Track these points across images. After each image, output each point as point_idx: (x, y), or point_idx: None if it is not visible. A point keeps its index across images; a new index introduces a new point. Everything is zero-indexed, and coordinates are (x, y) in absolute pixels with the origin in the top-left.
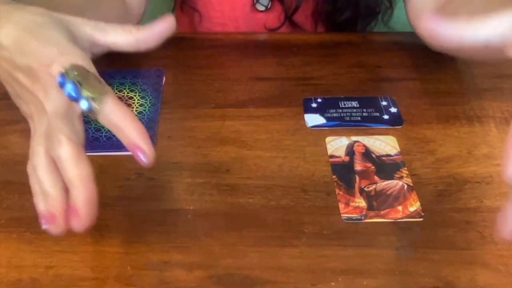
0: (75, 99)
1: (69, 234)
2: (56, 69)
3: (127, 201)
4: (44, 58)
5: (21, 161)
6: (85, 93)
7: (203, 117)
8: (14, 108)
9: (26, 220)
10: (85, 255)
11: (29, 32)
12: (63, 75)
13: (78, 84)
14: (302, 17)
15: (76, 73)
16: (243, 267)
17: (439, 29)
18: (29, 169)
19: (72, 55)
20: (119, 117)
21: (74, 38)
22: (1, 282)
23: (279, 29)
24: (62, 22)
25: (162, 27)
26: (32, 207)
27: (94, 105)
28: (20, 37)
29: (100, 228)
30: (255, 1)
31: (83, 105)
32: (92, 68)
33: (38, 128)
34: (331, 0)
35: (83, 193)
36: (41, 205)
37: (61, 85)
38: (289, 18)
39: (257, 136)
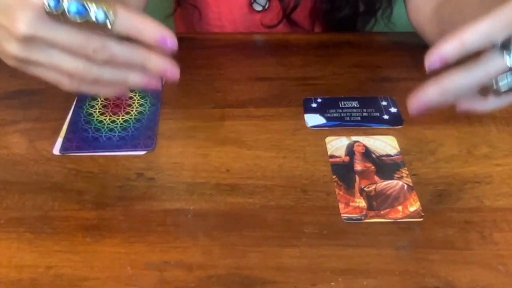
0: (85, 15)
1: (69, 234)
2: None
3: (127, 201)
4: None
5: (21, 161)
6: (93, 5)
7: (203, 117)
8: (14, 108)
9: (26, 220)
10: (85, 255)
11: None
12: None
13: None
14: (301, 16)
15: None
16: (243, 267)
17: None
18: (88, 72)
19: None
20: (137, 20)
21: None
22: (1, 282)
23: (276, 26)
24: None
25: None
26: (32, 207)
27: (110, 14)
28: None
29: (100, 228)
30: (252, 1)
31: (100, 16)
32: None
33: (44, 53)
34: None
35: (158, 57)
36: (137, 78)
37: (56, 8)
38: (287, 16)
39: (257, 136)
